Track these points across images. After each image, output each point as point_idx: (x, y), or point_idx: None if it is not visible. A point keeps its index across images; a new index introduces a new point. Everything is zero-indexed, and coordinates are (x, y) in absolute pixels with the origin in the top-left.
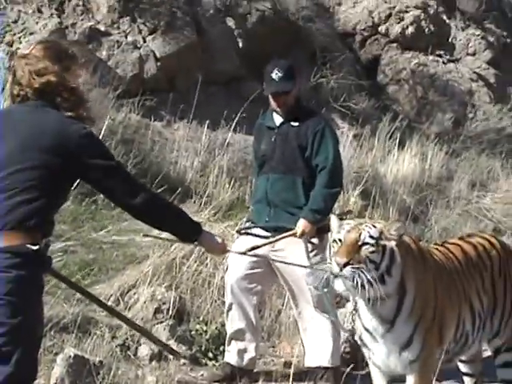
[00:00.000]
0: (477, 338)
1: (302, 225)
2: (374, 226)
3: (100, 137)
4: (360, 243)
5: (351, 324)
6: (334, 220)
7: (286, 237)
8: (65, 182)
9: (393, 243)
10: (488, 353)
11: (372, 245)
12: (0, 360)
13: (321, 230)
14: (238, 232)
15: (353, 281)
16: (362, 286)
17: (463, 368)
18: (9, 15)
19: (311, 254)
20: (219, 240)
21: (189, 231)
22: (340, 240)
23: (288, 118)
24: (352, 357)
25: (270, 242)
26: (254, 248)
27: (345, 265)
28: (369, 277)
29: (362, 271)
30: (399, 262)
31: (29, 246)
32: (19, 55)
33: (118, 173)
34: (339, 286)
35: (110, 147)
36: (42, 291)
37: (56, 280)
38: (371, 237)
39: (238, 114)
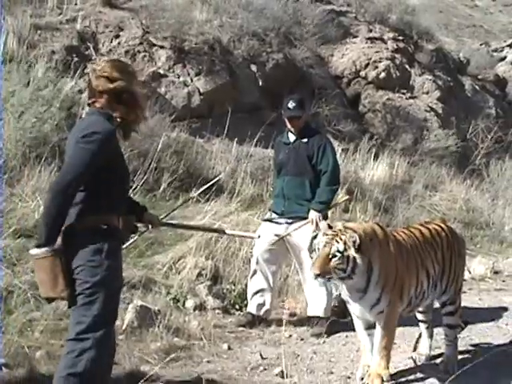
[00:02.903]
0: (430, 294)
1: (313, 214)
2: (341, 239)
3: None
4: (330, 256)
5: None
6: (323, 227)
7: (303, 225)
8: (96, 175)
9: (353, 251)
10: (437, 305)
11: (339, 258)
12: (88, 305)
13: (323, 216)
14: (263, 220)
15: (323, 284)
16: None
17: (419, 316)
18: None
19: (313, 235)
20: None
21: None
22: (318, 249)
23: (299, 136)
24: (339, 309)
25: (289, 233)
26: (281, 238)
27: (318, 275)
28: (335, 279)
29: (329, 280)
30: (360, 263)
31: (100, 225)
32: (94, 69)
33: (64, 169)
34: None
35: (165, 157)
36: (115, 257)
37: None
38: (338, 251)
39: (258, 134)
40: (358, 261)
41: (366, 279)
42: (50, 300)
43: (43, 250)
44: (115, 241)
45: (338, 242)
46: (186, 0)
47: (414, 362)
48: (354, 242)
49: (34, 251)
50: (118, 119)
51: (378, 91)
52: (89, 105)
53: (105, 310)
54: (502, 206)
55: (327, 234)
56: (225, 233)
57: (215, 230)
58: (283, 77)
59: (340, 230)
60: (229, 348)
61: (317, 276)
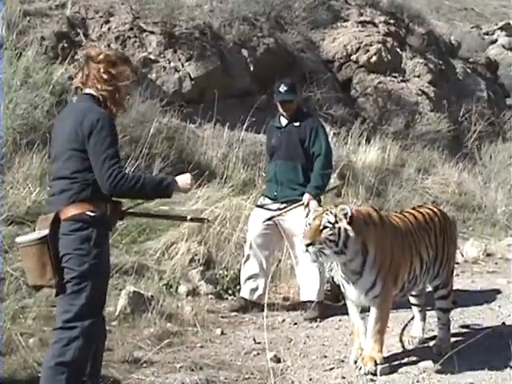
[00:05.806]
0: (423, 279)
1: (307, 197)
2: (331, 213)
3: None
4: (321, 228)
5: (330, 271)
6: (313, 205)
7: (296, 207)
8: (84, 162)
9: (344, 223)
10: (429, 289)
11: (330, 228)
12: (76, 294)
13: (318, 201)
14: (256, 206)
15: (316, 258)
16: (323, 259)
17: (412, 300)
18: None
19: (306, 219)
20: (185, 179)
21: (161, 194)
22: (309, 224)
23: (291, 120)
24: (332, 293)
25: (282, 213)
26: (272, 217)
27: (309, 245)
28: (328, 253)
29: (321, 250)
30: (352, 236)
31: (88, 213)
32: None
33: (101, 153)
34: (309, 258)
35: (157, 142)
36: (103, 245)
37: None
38: (329, 222)
39: (250, 119)
40: (350, 233)
41: (361, 261)
42: (37, 288)
43: (30, 237)
44: (103, 228)
45: (328, 215)
46: None
47: (404, 345)
48: (346, 214)
49: (20, 239)
50: (100, 96)
51: (369, 75)
52: (77, 88)
53: (92, 299)
54: (495, 188)
55: (317, 210)
56: (186, 220)
57: (178, 218)
58: (274, 61)
59: (330, 207)
60: (222, 333)
61: (308, 245)
